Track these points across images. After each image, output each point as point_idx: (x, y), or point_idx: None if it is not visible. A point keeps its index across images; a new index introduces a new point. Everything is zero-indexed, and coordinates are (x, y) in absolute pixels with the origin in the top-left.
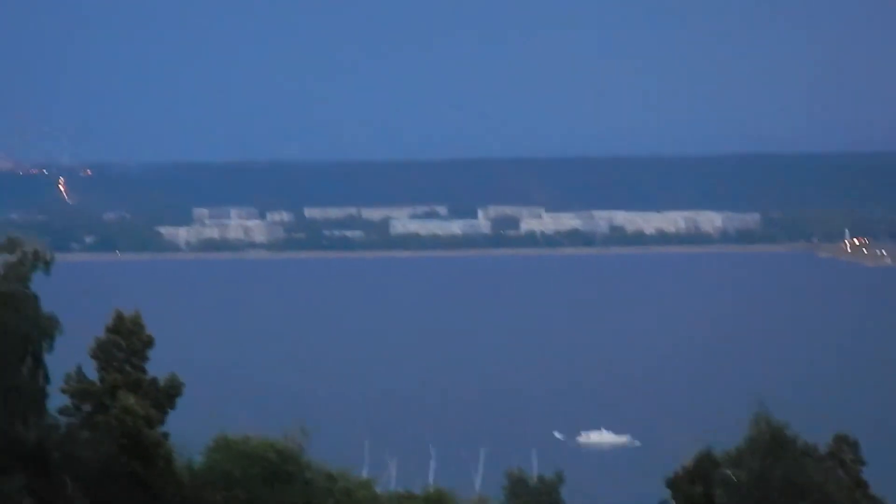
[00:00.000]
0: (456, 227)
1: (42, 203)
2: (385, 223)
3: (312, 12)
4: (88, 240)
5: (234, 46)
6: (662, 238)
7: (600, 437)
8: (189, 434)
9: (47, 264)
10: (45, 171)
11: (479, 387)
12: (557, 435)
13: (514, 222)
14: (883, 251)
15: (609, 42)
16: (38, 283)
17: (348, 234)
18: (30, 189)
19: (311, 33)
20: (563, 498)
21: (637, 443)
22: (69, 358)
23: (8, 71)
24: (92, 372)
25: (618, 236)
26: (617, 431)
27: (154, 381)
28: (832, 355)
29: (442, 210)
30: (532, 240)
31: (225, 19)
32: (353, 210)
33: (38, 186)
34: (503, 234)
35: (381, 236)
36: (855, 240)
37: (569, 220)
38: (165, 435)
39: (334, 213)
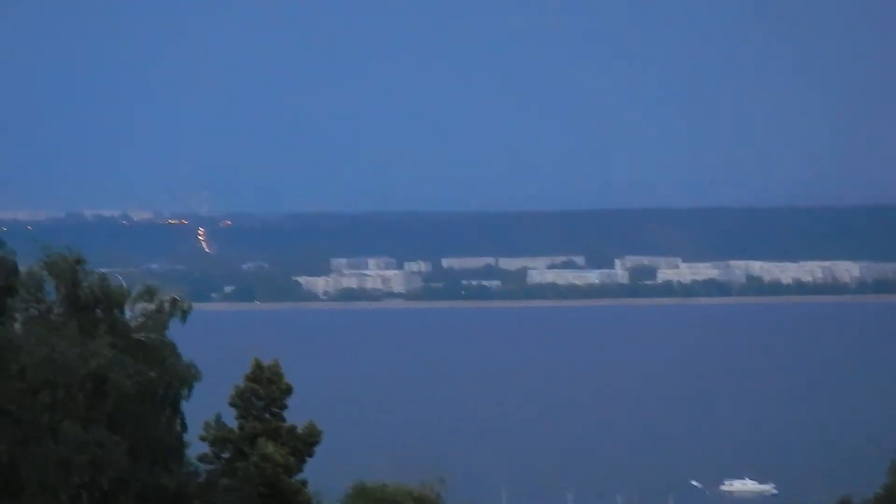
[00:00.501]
0: (593, 276)
1: (182, 253)
2: (523, 273)
3: (448, 68)
4: (227, 289)
5: (373, 100)
6: (799, 287)
7: (743, 486)
8: (327, 481)
9: (185, 313)
10: (185, 221)
11: (615, 434)
12: (695, 483)
13: (651, 272)
14: None
15: (738, 92)
16: (178, 332)
17: (486, 283)
18: (170, 239)
19: (450, 88)
20: None
21: (775, 490)
22: (208, 406)
23: (148, 124)
24: (231, 420)
25: (754, 286)
26: (759, 480)
27: (293, 428)
28: None
29: (579, 260)
30: (669, 289)
31: (362, 72)
32: (490, 260)
33: (178, 237)
34: (640, 284)
35: (518, 286)
36: None
37: (706, 270)
38: (304, 482)
39: (472, 262)
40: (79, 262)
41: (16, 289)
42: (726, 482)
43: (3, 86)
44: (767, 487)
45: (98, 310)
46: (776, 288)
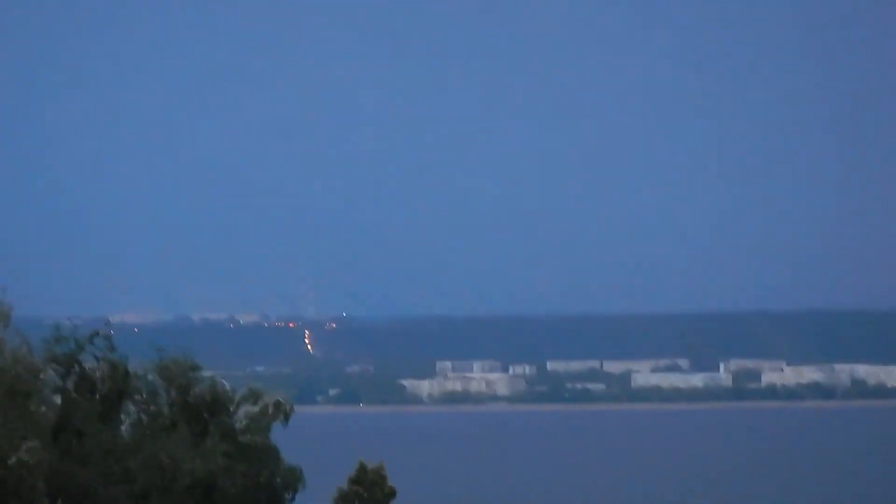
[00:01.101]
0: (697, 379)
1: (288, 355)
2: (626, 376)
3: (548, 175)
4: (332, 392)
5: (480, 206)
6: None
7: None
8: None
9: (287, 416)
10: (291, 324)
11: None
12: None
13: (755, 375)
14: None
15: (842, 194)
16: (282, 434)
17: (590, 386)
18: (276, 342)
19: (552, 192)
20: None
21: None
22: None
23: (256, 229)
24: None
25: (859, 389)
26: None
27: None
28: None
29: (683, 363)
30: (773, 392)
31: (467, 180)
32: (595, 363)
33: (284, 339)
34: (744, 387)
35: (622, 389)
36: None
37: (810, 373)
38: None
39: (576, 366)
40: (193, 368)
41: (129, 393)
42: None
43: (108, 190)
44: None
45: (207, 413)
46: (881, 391)
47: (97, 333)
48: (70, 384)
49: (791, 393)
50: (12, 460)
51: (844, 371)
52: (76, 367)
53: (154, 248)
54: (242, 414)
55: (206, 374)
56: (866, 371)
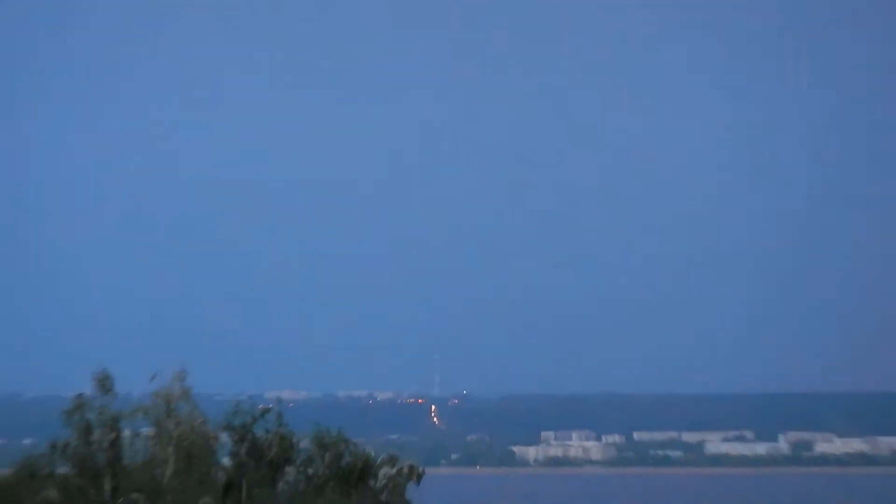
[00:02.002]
0: (760, 448)
1: (417, 427)
2: (701, 445)
3: (637, 253)
4: (454, 456)
5: (577, 293)
6: None
7: None
8: None
9: (419, 477)
10: (420, 400)
11: None
12: None
13: (809, 445)
14: None
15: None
16: (414, 492)
17: (670, 453)
18: (407, 415)
19: (635, 275)
20: None
21: None
22: None
23: (388, 318)
24: None
25: None
26: None
27: None
28: None
29: (749, 434)
30: (824, 460)
31: (563, 265)
32: (674, 433)
33: (414, 413)
34: (799, 455)
35: (697, 456)
36: None
37: (856, 445)
38: None
39: (658, 436)
40: (343, 439)
41: (290, 460)
42: None
43: (255, 292)
44: None
45: (355, 476)
46: None
47: (269, 409)
48: (243, 450)
49: (839, 460)
50: None
51: (886, 443)
52: (249, 435)
53: (305, 338)
54: (382, 475)
55: (355, 442)
56: None
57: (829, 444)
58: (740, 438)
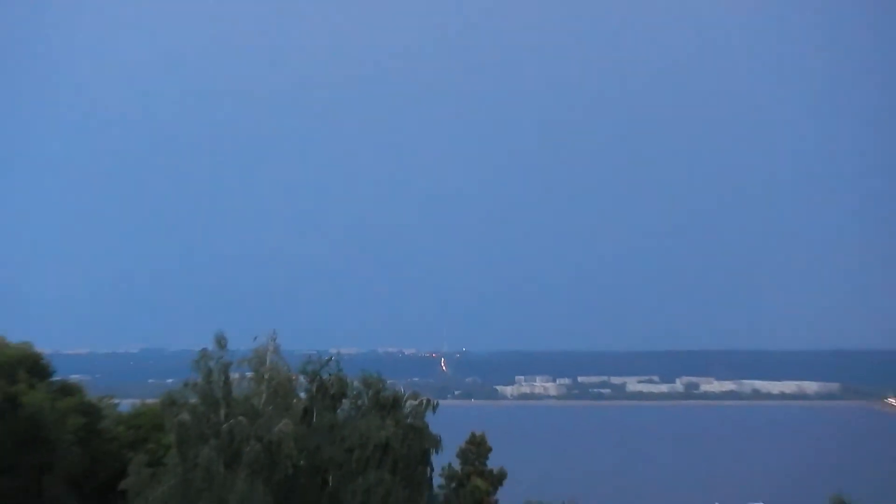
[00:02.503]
0: (663, 388)
1: (432, 372)
2: (623, 385)
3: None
4: (456, 393)
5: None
6: None
7: None
8: (511, 499)
9: (434, 407)
10: (433, 354)
11: None
12: None
13: (696, 385)
14: None
15: None
16: (430, 417)
17: (602, 391)
18: (425, 365)
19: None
20: None
21: None
22: (445, 458)
23: (415, 287)
24: (457, 465)
25: None
26: None
27: (491, 471)
28: None
29: (655, 378)
30: (706, 396)
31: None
32: (605, 377)
33: (429, 363)
34: (690, 393)
35: (621, 393)
36: None
37: (729, 386)
38: (496, 501)
39: (595, 379)
40: (381, 381)
41: (345, 394)
42: None
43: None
44: None
45: (389, 406)
46: None
47: (330, 359)
48: (314, 388)
49: (717, 397)
50: (275, 430)
51: (748, 384)
52: (317, 378)
53: (355, 308)
54: (408, 405)
55: (389, 382)
56: None
57: (711, 385)
58: (650, 381)
